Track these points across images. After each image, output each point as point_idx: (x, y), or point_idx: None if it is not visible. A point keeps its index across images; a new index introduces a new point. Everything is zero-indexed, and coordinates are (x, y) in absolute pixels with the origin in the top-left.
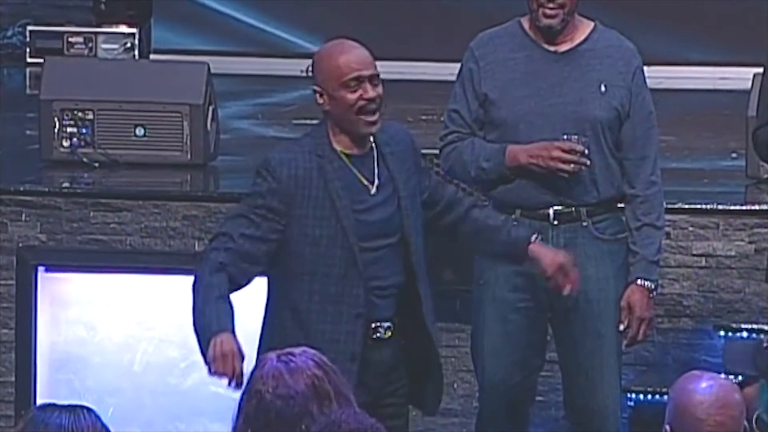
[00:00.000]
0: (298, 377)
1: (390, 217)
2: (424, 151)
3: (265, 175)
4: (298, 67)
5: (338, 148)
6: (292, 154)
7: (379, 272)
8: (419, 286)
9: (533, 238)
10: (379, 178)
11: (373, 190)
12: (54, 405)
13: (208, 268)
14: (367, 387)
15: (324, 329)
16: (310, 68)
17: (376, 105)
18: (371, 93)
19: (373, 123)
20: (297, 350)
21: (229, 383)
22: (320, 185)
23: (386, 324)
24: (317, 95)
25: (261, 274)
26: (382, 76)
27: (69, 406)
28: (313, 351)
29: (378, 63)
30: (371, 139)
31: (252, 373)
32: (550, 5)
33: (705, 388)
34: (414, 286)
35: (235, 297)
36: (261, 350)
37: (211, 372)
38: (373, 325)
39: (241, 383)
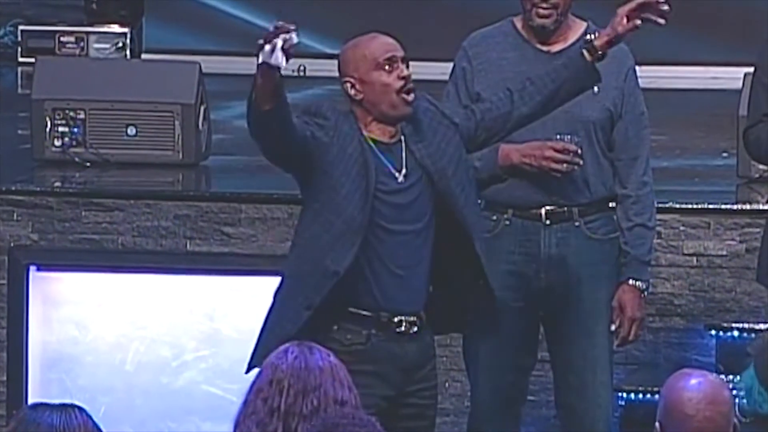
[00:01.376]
0: (317, 356)
1: (414, 201)
2: None
3: (315, 113)
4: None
5: (368, 136)
6: (345, 115)
7: (402, 260)
8: (475, 245)
9: (582, 43)
10: (406, 167)
11: (401, 179)
12: (45, 404)
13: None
14: (388, 381)
15: (304, 270)
16: (338, 66)
17: (413, 85)
18: (406, 72)
19: (411, 103)
20: (317, 346)
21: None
22: (360, 150)
23: (411, 318)
24: (348, 86)
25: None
26: None
27: (61, 405)
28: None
29: None
30: (400, 128)
31: (270, 358)
32: (544, 5)
33: (694, 384)
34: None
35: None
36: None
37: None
38: (396, 319)
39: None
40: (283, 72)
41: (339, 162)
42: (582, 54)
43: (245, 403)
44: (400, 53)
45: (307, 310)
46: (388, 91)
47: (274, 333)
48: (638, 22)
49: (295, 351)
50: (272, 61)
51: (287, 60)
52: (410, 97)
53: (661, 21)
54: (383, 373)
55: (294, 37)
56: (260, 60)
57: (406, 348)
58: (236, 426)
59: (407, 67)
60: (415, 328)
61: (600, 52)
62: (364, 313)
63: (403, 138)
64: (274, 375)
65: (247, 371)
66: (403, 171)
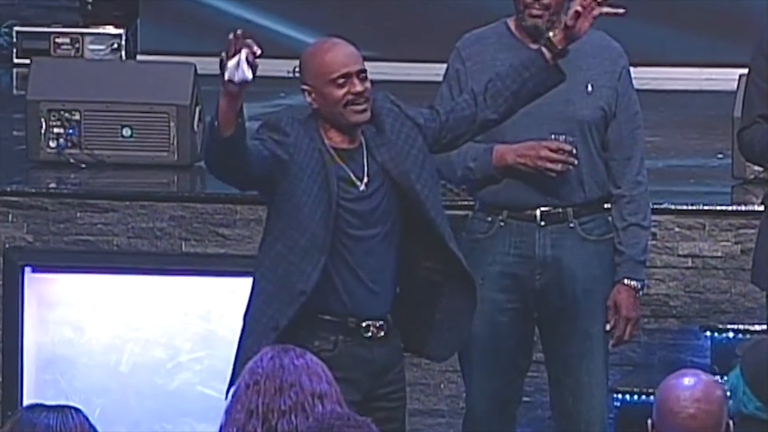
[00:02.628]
0: (291, 354)
1: (378, 206)
2: None
3: (275, 127)
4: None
5: (328, 143)
6: (304, 124)
7: (368, 265)
8: (448, 243)
9: (537, 48)
10: (368, 174)
11: (362, 187)
12: (42, 405)
13: None
14: (356, 386)
15: (269, 290)
16: (297, 68)
17: (364, 98)
18: (359, 87)
19: (362, 112)
20: (292, 347)
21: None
22: (321, 162)
23: (378, 323)
24: (306, 93)
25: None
26: (370, 77)
27: (57, 406)
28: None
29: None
30: (360, 133)
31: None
32: (536, 6)
33: (685, 382)
34: (443, 245)
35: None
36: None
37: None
38: (365, 324)
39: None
40: (275, 73)
41: (299, 179)
42: (542, 52)
43: (227, 411)
44: (356, 67)
45: (274, 331)
46: (338, 105)
47: (246, 357)
48: (594, 13)
49: (270, 353)
50: (238, 77)
51: (254, 73)
52: (359, 107)
53: (620, 11)
54: (352, 378)
55: (257, 48)
56: (225, 77)
57: (374, 352)
58: None
59: (364, 79)
60: (383, 333)
61: (559, 48)
62: (332, 318)
63: (364, 143)
64: (251, 378)
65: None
66: (365, 179)
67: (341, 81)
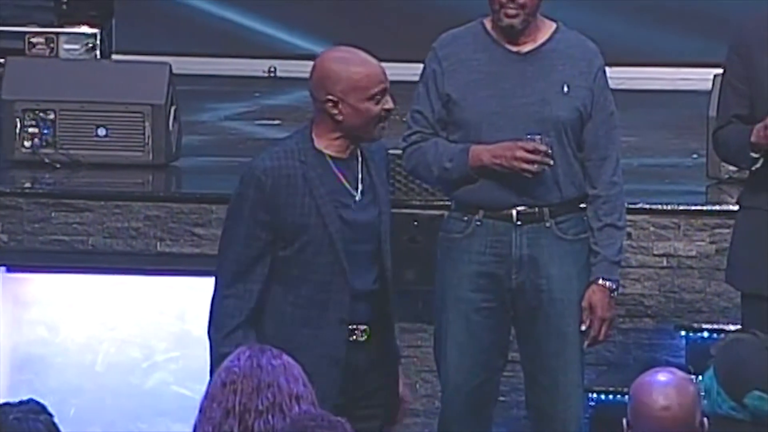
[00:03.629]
0: (269, 355)
1: (371, 221)
2: (390, 151)
3: (252, 186)
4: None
5: (326, 152)
6: (277, 162)
7: (360, 275)
8: (389, 291)
9: None
10: (362, 183)
11: (358, 196)
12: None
13: (226, 339)
14: (341, 390)
15: (307, 333)
16: (312, 74)
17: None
18: (391, 104)
19: (384, 129)
20: (269, 347)
21: None
22: (306, 192)
23: (363, 327)
24: (329, 105)
25: None
26: None
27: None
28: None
29: None
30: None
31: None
32: (511, 5)
33: (658, 378)
34: (386, 292)
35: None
36: None
37: None
38: (350, 327)
39: None
40: (251, 73)
41: (297, 237)
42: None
43: (201, 410)
44: (388, 83)
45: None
46: (372, 122)
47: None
48: None
49: (247, 352)
50: None
51: None
52: (385, 125)
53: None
54: (334, 381)
55: None
56: None
57: (358, 356)
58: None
59: (392, 96)
60: (365, 336)
61: None
62: None
63: (360, 154)
64: (228, 377)
65: None
66: (360, 188)
67: (379, 98)
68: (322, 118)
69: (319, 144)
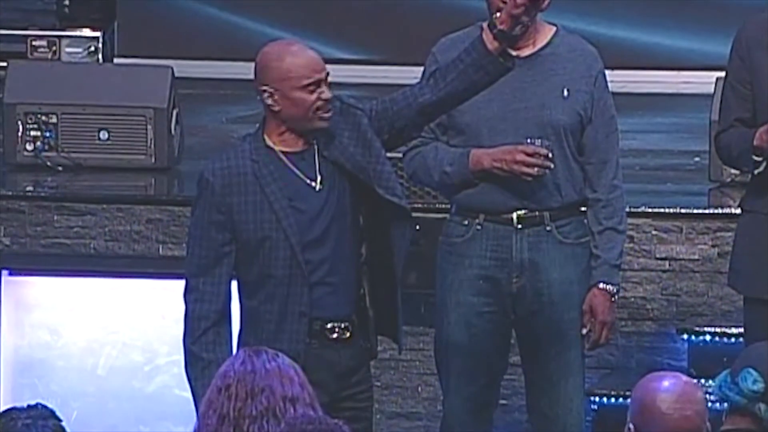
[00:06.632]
0: (264, 358)
1: (333, 204)
2: (388, 155)
3: (202, 188)
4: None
5: (278, 148)
6: (225, 162)
7: (331, 267)
8: (374, 281)
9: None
10: (321, 173)
11: (318, 187)
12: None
13: (196, 343)
14: (323, 388)
15: (269, 329)
16: (254, 68)
17: (331, 105)
18: (328, 94)
19: (328, 119)
20: (265, 349)
21: None
22: (257, 189)
23: (343, 324)
24: (265, 95)
25: None
26: (345, 79)
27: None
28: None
29: (342, 67)
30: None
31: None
32: None
33: (668, 385)
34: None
35: None
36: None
37: None
38: (329, 325)
39: None
40: (253, 76)
41: (253, 235)
42: (482, 39)
43: (200, 416)
44: (324, 74)
45: None
46: (307, 110)
47: None
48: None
49: (242, 356)
50: None
51: None
52: (327, 115)
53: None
54: (318, 380)
55: None
56: None
57: (341, 354)
58: None
59: (329, 85)
60: (348, 333)
61: (500, 29)
62: None
63: (315, 143)
64: (223, 383)
65: None
66: (318, 178)
67: (312, 87)
68: (267, 115)
69: (270, 141)
